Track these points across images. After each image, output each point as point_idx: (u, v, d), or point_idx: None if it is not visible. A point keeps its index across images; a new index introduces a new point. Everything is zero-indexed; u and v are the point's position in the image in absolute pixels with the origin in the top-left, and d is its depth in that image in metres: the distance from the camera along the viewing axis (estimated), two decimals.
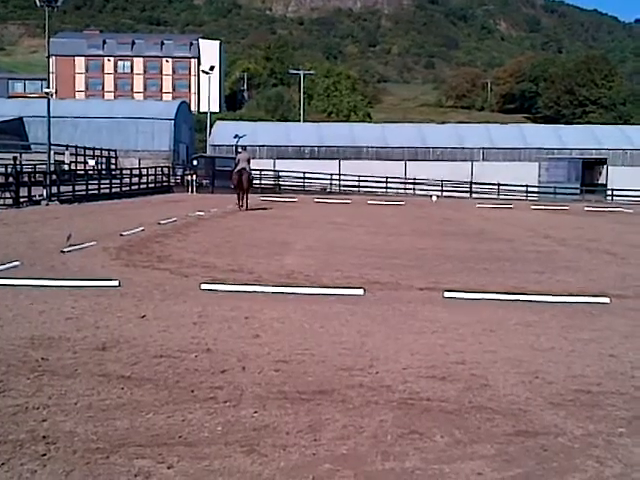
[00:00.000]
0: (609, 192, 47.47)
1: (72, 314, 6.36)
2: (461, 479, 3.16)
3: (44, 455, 3.29)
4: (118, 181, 34.99)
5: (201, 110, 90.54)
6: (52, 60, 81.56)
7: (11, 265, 8.87)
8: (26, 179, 25.25)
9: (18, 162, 30.53)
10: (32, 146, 44.60)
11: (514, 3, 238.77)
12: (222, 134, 49.98)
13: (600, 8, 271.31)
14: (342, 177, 47.05)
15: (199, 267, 9.57)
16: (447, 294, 7.64)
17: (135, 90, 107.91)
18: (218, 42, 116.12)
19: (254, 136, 48.98)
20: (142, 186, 37.28)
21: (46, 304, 6.73)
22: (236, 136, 47.85)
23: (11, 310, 6.43)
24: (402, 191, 46.05)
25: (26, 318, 6.14)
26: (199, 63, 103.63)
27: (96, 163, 42.59)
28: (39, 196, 24.69)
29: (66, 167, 36.96)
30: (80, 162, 41.71)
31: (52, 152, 34.55)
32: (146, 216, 19.09)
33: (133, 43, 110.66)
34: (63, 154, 38.36)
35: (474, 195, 45.84)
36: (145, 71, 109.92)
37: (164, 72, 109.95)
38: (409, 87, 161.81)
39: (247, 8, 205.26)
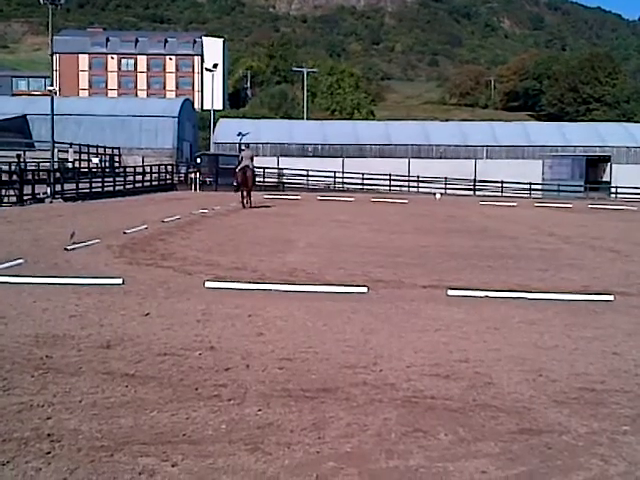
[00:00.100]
0: (613, 190, 47.42)
1: (76, 312, 6.37)
2: (465, 477, 3.16)
3: (49, 453, 3.29)
4: (122, 179, 35.02)
5: (204, 108, 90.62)
6: (55, 58, 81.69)
7: (15, 263, 8.88)
8: (30, 177, 25.25)
9: (22, 160, 30.60)
10: (36, 144, 44.69)
11: (518, 1, 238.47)
12: (225, 132, 50.01)
13: (604, 5, 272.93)
14: (345, 175, 47.04)
15: (203, 265, 9.57)
16: (450, 292, 7.63)
17: (139, 88, 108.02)
18: (221, 40, 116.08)
19: (257, 134, 49.01)
20: (146, 184, 37.29)
21: (50, 302, 6.74)
22: (239, 134, 47.85)
23: (15, 308, 6.44)
24: (405, 189, 46.04)
25: (30, 316, 6.14)
26: (202, 61, 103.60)
27: (100, 161, 42.64)
28: (43, 194, 24.71)
29: (70, 165, 37.00)
30: (84, 160, 41.70)
31: (56, 150, 34.67)
32: (150, 214, 19.10)
33: (137, 41, 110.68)
34: (67, 152, 38.38)
35: (478, 193, 45.80)
36: (148, 69, 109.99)
37: (167, 70, 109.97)
38: (413, 85, 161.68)
39: (250, 6, 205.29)
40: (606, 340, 5.81)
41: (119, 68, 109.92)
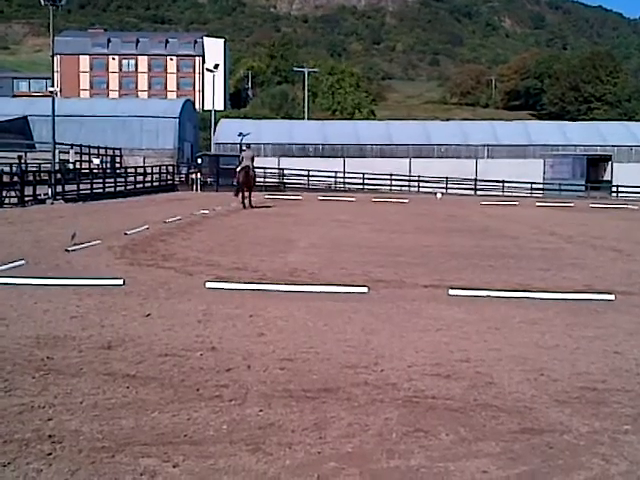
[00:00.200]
0: (614, 189, 47.37)
1: (77, 313, 6.37)
2: (466, 477, 3.16)
3: (50, 454, 3.30)
4: (123, 180, 35.06)
5: (205, 108, 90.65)
6: (56, 59, 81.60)
7: (16, 264, 8.89)
8: (31, 178, 25.30)
9: (23, 161, 30.66)
10: (37, 145, 44.75)
11: (519, 0, 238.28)
12: (226, 132, 50.02)
13: (605, 4, 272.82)
14: (346, 175, 47.04)
15: (204, 265, 9.57)
16: (452, 292, 7.62)
17: (139, 88, 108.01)
18: (222, 40, 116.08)
19: (258, 134, 49.02)
20: (147, 185, 37.31)
21: (51, 303, 6.74)
22: (240, 134, 47.85)
23: (16, 309, 6.44)
24: (406, 189, 46.02)
25: (31, 317, 6.15)
26: (203, 61, 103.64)
27: (101, 162, 42.68)
28: (44, 195, 24.73)
29: (71, 166, 37.03)
30: (85, 161, 41.80)
31: (57, 151, 34.71)
32: (151, 215, 19.12)
33: (137, 41, 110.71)
34: (68, 153, 38.42)
35: (479, 192, 45.77)
36: (149, 69, 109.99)
37: (168, 70, 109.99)
38: (413, 84, 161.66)
39: (251, 6, 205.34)
40: (607, 339, 5.81)
41: (120, 69, 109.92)
